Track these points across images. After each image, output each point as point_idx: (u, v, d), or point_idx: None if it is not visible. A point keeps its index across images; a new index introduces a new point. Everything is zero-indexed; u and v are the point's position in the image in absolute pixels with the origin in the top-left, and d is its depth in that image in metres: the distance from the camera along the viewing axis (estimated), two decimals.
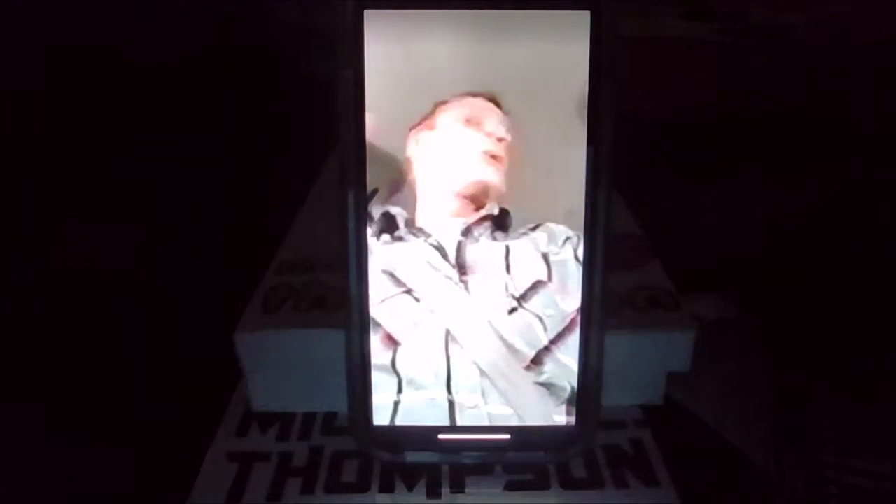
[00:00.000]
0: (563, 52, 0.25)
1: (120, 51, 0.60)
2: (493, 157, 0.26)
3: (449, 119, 0.26)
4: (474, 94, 0.25)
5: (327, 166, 0.43)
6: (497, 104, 0.25)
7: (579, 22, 0.24)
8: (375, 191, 0.26)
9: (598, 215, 0.26)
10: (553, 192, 0.26)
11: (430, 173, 0.26)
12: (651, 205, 0.39)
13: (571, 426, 0.27)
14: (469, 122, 0.26)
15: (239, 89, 0.62)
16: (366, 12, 0.25)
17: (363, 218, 0.26)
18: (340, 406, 0.29)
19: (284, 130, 0.58)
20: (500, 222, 0.27)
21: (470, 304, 0.27)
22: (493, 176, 0.26)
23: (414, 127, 0.26)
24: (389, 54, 0.25)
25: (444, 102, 0.25)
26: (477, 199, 0.26)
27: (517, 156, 0.26)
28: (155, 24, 0.63)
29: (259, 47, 0.66)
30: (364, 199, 0.26)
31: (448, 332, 0.27)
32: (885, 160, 0.51)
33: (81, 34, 0.59)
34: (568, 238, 0.26)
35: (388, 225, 0.26)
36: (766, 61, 0.66)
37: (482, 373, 0.27)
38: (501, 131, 0.26)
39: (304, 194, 0.41)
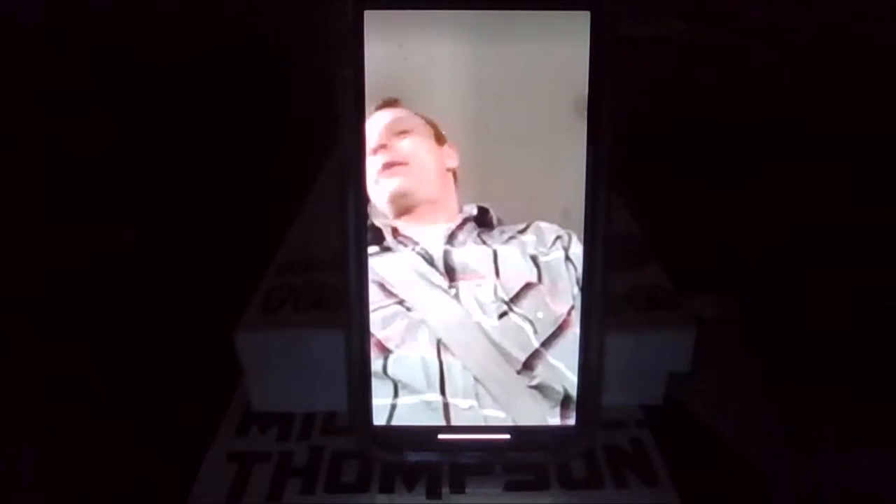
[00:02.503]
0: (563, 52, 0.25)
1: (119, 50, 0.60)
2: (393, 165, 0.26)
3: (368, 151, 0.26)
4: (378, 107, 0.25)
5: (327, 166, 0.43)
6: (394, 104, 0.25)
7: (579, 22, 0.24)
8: None
9: (598, 215, 0.26)
10: (553, 192, 0.26)
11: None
12: (651, 205, 0.39)
13: (571, 426, 0.27)
14: (372, 150, 0.26)
15: (239, 89, 0.62)
16: (366, 12, 0.25)
17: (363, 218, 0.26)
18: (340, 406, 0.29)
19: (284, 130, 0.58)
20: (482, 221, 0.27)
21: (460, 311, 0.27)
22: (402, 183, 0.26)
23: None
24: (389, 54, 0.25)
25: None
26: (413, 206, 0.27)
27: (433, 140, 0.26)
28: (155, 23, 0.63)
29: (259, 47, 0.66)
30: (364, 200, 0.26)
31: (440, 340, 0.27)
32: (885, 160, 0.51)
33: (80, 33, 0.59)
34: (558, 237, 0.26)
35: (375, 237, 0.27)
36: (766, 61, 0.66)
37: (475, 378, 0.27)
38: (388, 138, 0.26)
39: (304, 194, 0.41)
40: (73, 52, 0.58)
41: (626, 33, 0.26)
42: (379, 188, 0.26)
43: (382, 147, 0.26)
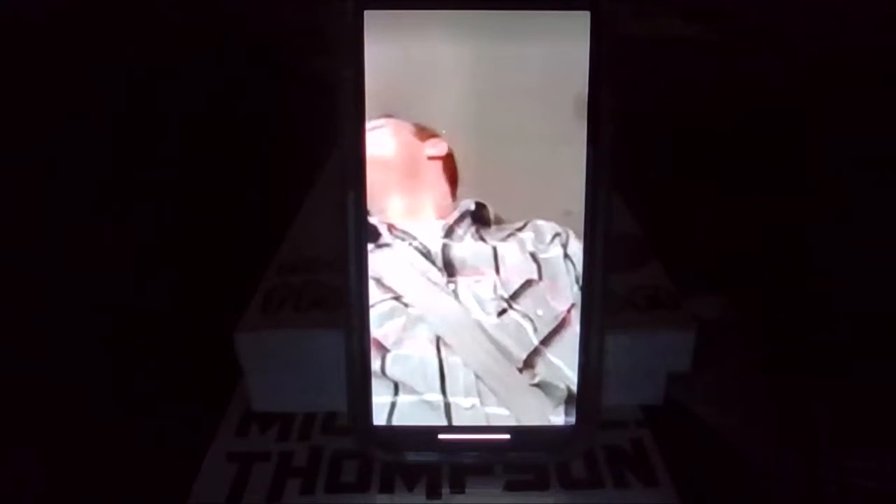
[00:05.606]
0: (563, 52, 0.25)
1: (120, 50, 0.60)
2: None
3: None
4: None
5: (327, 166, 0.44)
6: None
7: (579, 22, 0.24)
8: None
9: (598, 216, 0.26)
10: (553, 192, 0.26)
11: None
12: (651, 205, 0.39)
13: (571, 426, 0.27)
14: None
15: (239, 89, 0.62)
16: (366, 12, 0.25)
17: (363, 218, 0.26)
18: (340, 406, 0.29)
19: (284, 130, 0.58)
20: (480, 216, 0.27)
21: (459, 308, 0.27)
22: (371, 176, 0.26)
23: None
24: (389, 54, 0.25)
25: None
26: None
27: (408, 134, 0.26)
28: (155, 23, 0.63)
29: (259, 47, 0.66)
30: (364, 200, 0.26)
31: (439, 337, 0.27)
32: (885, 161, 0.51)
33: (80, 33, 0.59)
34: (556, 235, 0.26)
35: (371, 234, 0.26)
36: (766, 61, 0.66)
37: (477, 376, 0.27)
38: None
39: (304, 194, 0.41)
40: (74, 52, 0.58)
41: (626, 33, 0.26)
42: None
43: None
